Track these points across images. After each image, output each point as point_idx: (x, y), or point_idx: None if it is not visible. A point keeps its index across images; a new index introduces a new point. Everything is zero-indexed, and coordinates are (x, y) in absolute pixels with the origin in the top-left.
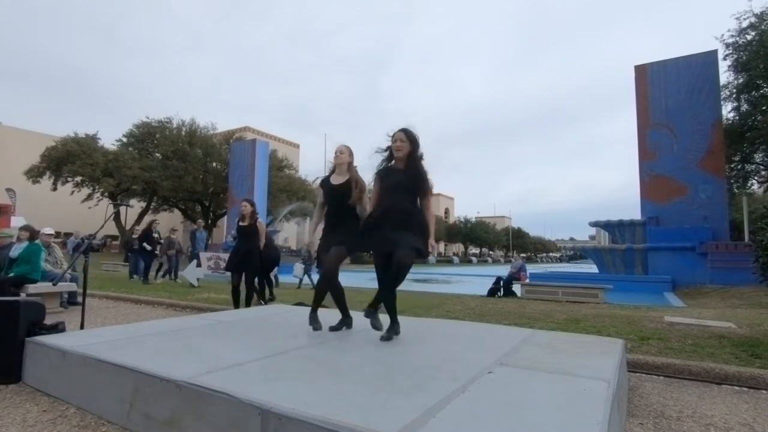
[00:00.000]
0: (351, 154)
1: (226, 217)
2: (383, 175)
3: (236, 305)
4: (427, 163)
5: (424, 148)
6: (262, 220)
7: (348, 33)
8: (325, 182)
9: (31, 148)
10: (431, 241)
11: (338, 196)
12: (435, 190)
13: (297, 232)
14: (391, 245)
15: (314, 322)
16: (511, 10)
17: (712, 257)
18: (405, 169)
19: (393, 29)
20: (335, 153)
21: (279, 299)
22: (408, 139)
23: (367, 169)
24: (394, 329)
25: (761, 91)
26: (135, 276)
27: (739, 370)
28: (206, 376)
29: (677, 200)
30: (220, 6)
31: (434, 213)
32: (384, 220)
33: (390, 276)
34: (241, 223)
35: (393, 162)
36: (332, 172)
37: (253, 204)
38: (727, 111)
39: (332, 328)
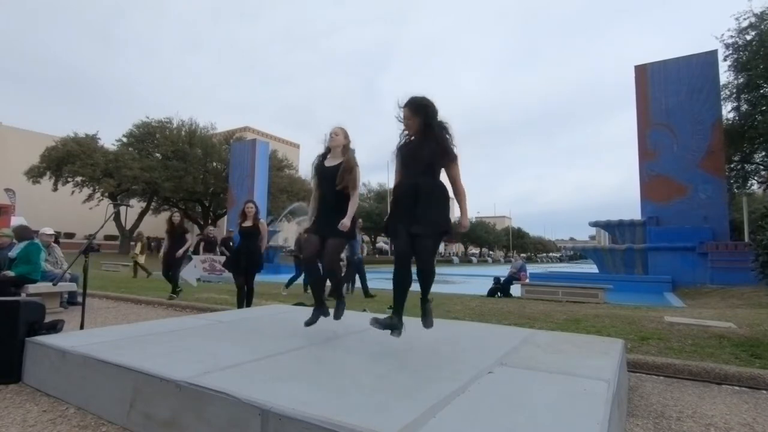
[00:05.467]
0: (347, 136)
1: (225, 217)
2: (400, 148)
3: (240, 305)
4: (452, 129)
5: None
6: (264, 221)
7: (348, 34)
8: (319, 165)
9: (31, 148)
10: (465, 221)
11: (332, 179)
12: None
13: (296, 232)
14: (400, 229)
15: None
16: (512, 10)
17: (712, 257)
18: (421, 138)
19: (393, 29)
20: (330, 135)
21: (279, 299)
22: (414, 112)
23: (368, 169)
24: (426, 321)
25: (761, 91)
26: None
27: (739, 370)
28: (206, 376)
29: (677, 200)
30: (221, 6)
31: (463, 187)
32: (396, 200)
33: (420, 276)
34: (243, 224)
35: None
36: (326, 154)
37: (257, 205)
38: (727, 111)
39: (307, 323)
